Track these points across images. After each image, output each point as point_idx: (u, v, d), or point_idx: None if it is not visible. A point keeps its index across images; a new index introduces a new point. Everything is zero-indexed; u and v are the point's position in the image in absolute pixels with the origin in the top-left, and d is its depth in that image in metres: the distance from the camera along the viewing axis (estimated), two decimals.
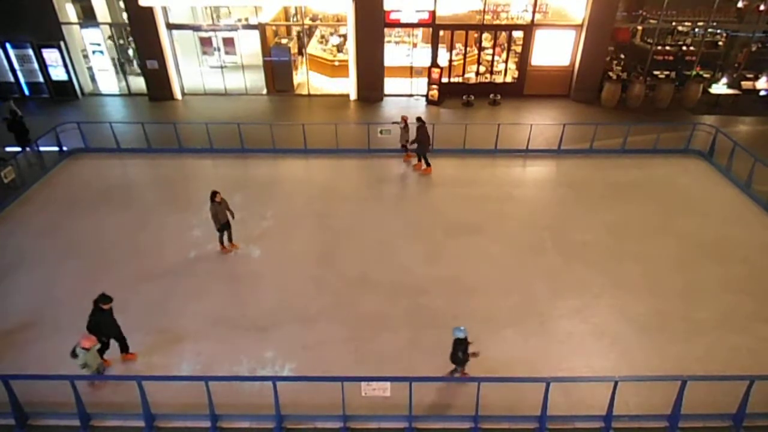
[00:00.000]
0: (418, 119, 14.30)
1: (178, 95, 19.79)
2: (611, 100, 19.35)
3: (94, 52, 19.49)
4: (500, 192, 13.98)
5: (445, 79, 19.71)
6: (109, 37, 20.26)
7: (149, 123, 16.58)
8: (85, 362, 8.01)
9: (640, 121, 17.43)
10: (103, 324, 8.40)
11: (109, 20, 20.51)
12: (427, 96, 19.64)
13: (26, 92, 19.56)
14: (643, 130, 16.26)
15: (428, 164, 14.85)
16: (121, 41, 20.93)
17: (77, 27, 19.38)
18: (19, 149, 14.57)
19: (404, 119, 14.85)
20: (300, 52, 21.44)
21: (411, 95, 20.22)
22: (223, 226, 11.28)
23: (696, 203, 13.50)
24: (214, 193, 10.94)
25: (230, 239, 11.64)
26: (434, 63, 19.31)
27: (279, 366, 8.86)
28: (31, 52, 18.77)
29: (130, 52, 20.98)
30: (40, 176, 14.42)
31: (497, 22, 19.14)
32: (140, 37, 18.74)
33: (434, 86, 19.28)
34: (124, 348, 8.93)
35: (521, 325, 9.70)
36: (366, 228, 12.46)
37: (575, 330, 9.60)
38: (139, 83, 20.05)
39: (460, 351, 8.08)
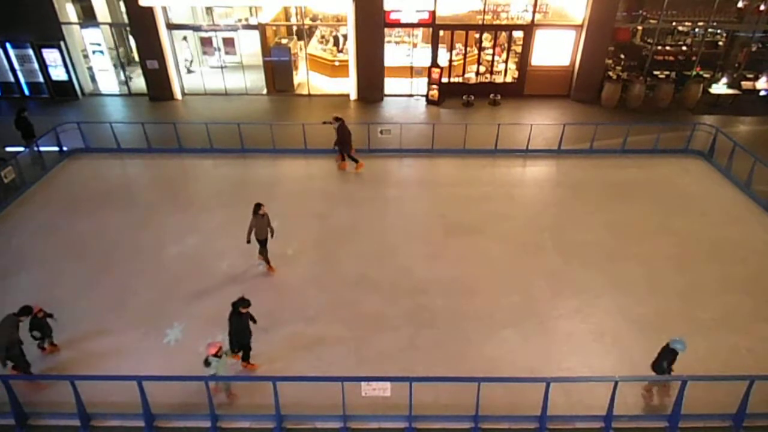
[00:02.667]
0: (336, 118, 14.22)
1: (178, 95, 19.79)
2: (611, 100, 19.35)
3: (94, 52, 19.49)
4: (500, 192, 13.98)
5: (445, 79, 19.70)
6: (112, 49, 20.27)
7: (149, 123, 16.58)
8: (216, 370, 7.89)
9: (640, 121, 17.42)
10: (239, 328, 8.27)
11: (109, 20, 20.54)
12: (427, 96, 19.64)
13: (26, 92, 19.55)
14: (643, 130, 16.26)
15: (356, 161, 14.78)
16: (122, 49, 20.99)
17: (77, 27, 19.38)
18: (20, 149, 14.55)
19: (336, 118, 14.58)
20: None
21: (411, 95, 20.22)
22: (263, 242, 10.67)
23: (696, 203, 13.50)
24: (258, 206, 10.29)
25: (263, 256, 11.02)
26: (434, 63, 19.30)
27: (280, 366, 8.86)
28: (31, 52, 18.76)
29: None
30: (40, 176, 14.42)
31: (497, 22, 19.14)
32: (140, 37, 18.74)
33: (434, 86, 19.28)
34: (245, 357, 8.74)
35: (521, 325, 9.70)
36: (366, 228, 12.46)
37: (575, 330, 9.60)
38: (139, 83, 20.05)
39: (667, 362, 7.95)
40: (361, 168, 14.84)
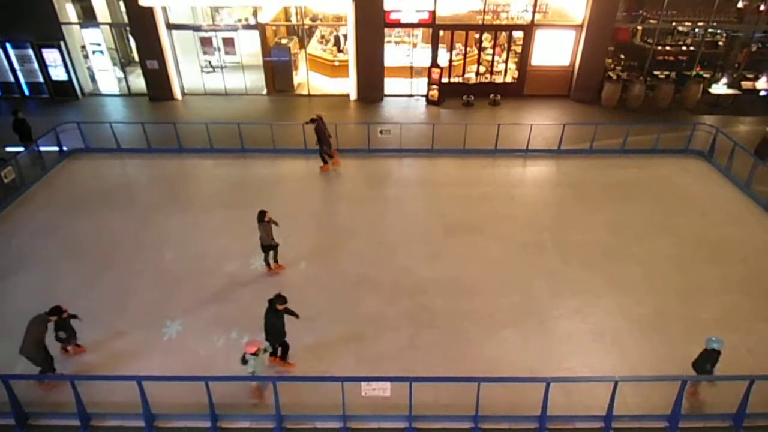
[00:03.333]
0: (312, 119, 14.24)
1: (178, 95, 19.79)
2: (611, 100, 19.35)
3: (94, 52, 19.48)
4: (500, 192, 13.98)
5: (445, 79, 19.70)
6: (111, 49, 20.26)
7: (149, 123, 16.58)
8: (254, 369, 7.91)
9: (640, 121, 17.42)
10: (276, 325, 8.26)
11: (109, 20, 20.54)
12: (427, 96, 19.63)
13: (26, 92, 19.54)
14: (643, 130, 16.26)
15: (324, 162, 14.83)
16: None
17: (77, 27, 19.37)
18: (20, 149, 14.54)
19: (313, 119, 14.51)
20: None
21: (411, 95, 20.22)
22: (268, 248, 10.62)
23: (696, 203, 13.51)
24: (262, 213, 10.24)
25: (275, 260, 10.95)
26: (434, 63, 19.30)
27: (279, 366, 8.87)
28: (31, 52, 18.75)
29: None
30: (40, 176, 14.42)
31: (497, 22, 19.14)
32: (140, 37, 18.73)
33: (434, 86, 19.28)
34: (284, 356, 8.76)
35: (521, 325, 9.70)
36: (366, 228, 12.46)
37: (575, 330, 9.60)
38: (139, 83, 20.05)
39: (710, 363, 7.94)
40: (326, 170, 14.85)
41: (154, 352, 9.12)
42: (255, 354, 7.80)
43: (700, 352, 8.07)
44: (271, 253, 10.76)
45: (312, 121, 14.24)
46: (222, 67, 20.37)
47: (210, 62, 20.98)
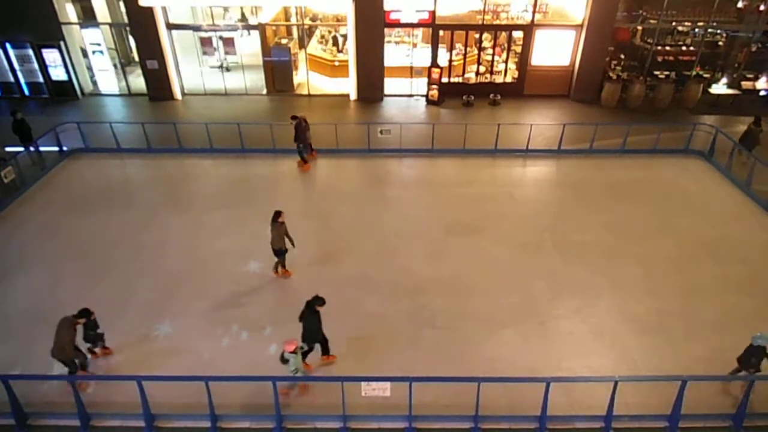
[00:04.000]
0: (293, 117, 14.30)
1: (178, 95, 19.79)
2: (611, 100, 19.35)
3: (94, 52, 19.48)
4: (500, 192, 13.98)
5: (445, 79, 19.70)
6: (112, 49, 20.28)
7: (149, 123, 16.58)
8: (296, 367, 7.91)
9: (640, 121, 17.42)
10: (315, 325, 8.27)
11: (109, 20, 20.54)
12: (427, 96, 19.64)
13: (26, 92, 19.54)
14: (643, 130, 16.26)
15: (304, 161, 14.87)
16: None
17: (77, 27, 19.37)
18: (20, 149, 14.54)
19: (302, 118, 14.55)
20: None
21: (411, 95, 20.22)
22: (278, 252, 10.39)
23: (696, 203, 13.51)
24: (277, 213, 10.06)
25: (282, 265, 10.75)
26: (434, 63, 19.30)
27: (278, 365, 8.86)
28: (31, 52, 18.75)
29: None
30: (40, 176, 14.42)
31: (497, 22, 19.14)
32: (140, 37, 18.74)
33: (434, 86, 19.28)
34: (326, 350, 8.79)
35: (521, 325, 9.70)
36: (366, 228, 12.46)
37: (575, 330, 9.60)
38: (139, 83, 20.05)
39: (755, 357, 7.96)
40: (307, 169, 14.86)
41: (154, 352, 9.10)
42: (294, 352, 7.81)
43: (746, 347, 8.08)
44: (280, 257, 10.56)
45: (293, 118, 14.28)
46: (225, 68, 20.37)
47: (225, 61, 20.93)
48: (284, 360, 7.90)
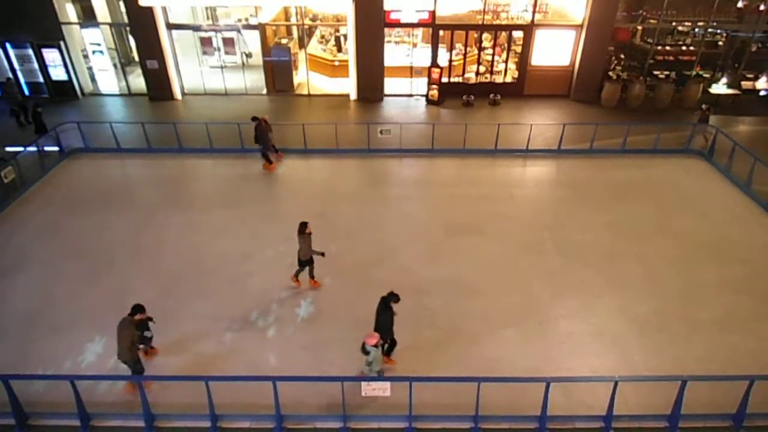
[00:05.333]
0: (253, 118, 14.28)
1: (178, 95, 19.80)
2: (611, 100, 19.36)
3: (94, 52, 19.49)
4: (500, 192, 13.98)
5: (445, 79, 19.71)
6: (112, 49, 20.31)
7: (149, 123, 16.58)
8: (374, 360, 7.88)
9: (640, 121, 17.42)
10: (388, 322, 8.24)
11: (109, 20, 20.54)
12: (427, 96, 19.64)
13: (26, 92, 19.55)
14: (643, 130, 16.27)
15: (269, 161, 14.84)
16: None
17: (77, 27, 19.38)
18: (19, 149, 14.55)
19: (264, 119, 14.52)
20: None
21: (411, 95, 20.23)
22: (306, 262, 10.24)
23: (696, 203, 13.51)
24: (304, 225, 9.85)
25: (311, 275, 10.52)
26: (434, 63, 19.31)
27: (279, 366, 8.86)
28: (31, 52, 18.77)
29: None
30: (40, 176, 14.42)
31: (497, 22, 19.15)
32: (140, 37, 18.74)
33: (434, 86, 19.28)
34: (389, 351, 8.74)
35: (521, 325, 9.69)
36: (366, 228, 12.46)
37: (575, 330, 9.60)
38: (139, 83, 20.05)
39: None
40: (273, 169, 14.85)
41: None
42: (375, 346, 7.79)
43: None
44: (307, 267, 10.36)
45: (254, 119, 14.28)
46: (222, 67, 20.40)
47: (245, 53, 20.92)
48: (365, 351, 7.86)
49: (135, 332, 8.06)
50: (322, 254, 10.19)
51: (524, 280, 10.80)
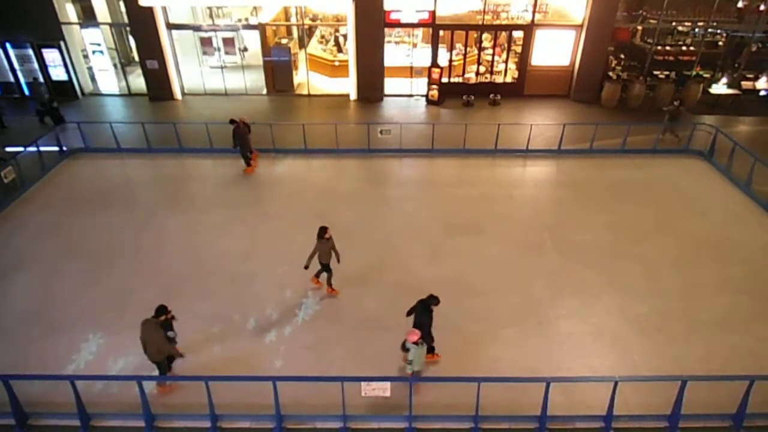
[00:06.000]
0: (231, 121, 14.21)
1: (178, 95, 19.80)
2: (611, 100, 19.35)
3: (94, 52, 19.49)
4: (500, 192, 13.98)
5: (445, 79, 19.71)
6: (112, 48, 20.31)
7: (149, 123, 16.59)
8: (414, 358, 7.87)
9: (640, 121, 17.41)
10: (427, 324, 8.25)
11: (109, 20, 20.55)
12: (427, 96, 19.64)
13: (26, 92, 19.55)
14: (643, 130, 16.26)
15: (247, 164, 14.78)
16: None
17: (77, 27, 19.38)
18: (19, 149, 14.55)
19: (243, 120, 14.49)
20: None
21: (411, 95, 20.23)
22: (327, 267, 10.13)
23: (696, 203, 13.50)
24: (324, 229, 9.73)
25: (329, 283, 10.40)
26: (434, 63, 19.31)
27: (279, 366, 8.86)
28: (31, 52, 18.77)
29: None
30: (40, 176, 14.42)
31: (497, 22, 19.15)
32: (140, 37, 18.74)
33: (434, 86, 19.28)
34: (431, 349, 8.74)
35: (521, 325, 9.69)
36: (366, 228, 12.46)
37: (575, 330, 9.60)
38: (139, 83, 20.06)
39: None
40: (250, 172, 14.78)
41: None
42: (416, 343, 7.78)
43: None
44: (325, 274, 10.28)
45: (231, 122, 14.25)
46: (222, 67, 20.41)
47: (241, 49, 20.84)
48: (405, 349, 7.85)
49: (162, 333, 8.02)
50: (338, 260, 10.10)
51: (524, 280, 10.80)
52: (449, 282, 10.68)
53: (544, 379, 7.81)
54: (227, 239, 11.99)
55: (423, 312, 8.25)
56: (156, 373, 8.33)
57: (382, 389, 7.58)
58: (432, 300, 8.25)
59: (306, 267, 9.93)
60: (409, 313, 8.53)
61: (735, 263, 11.28)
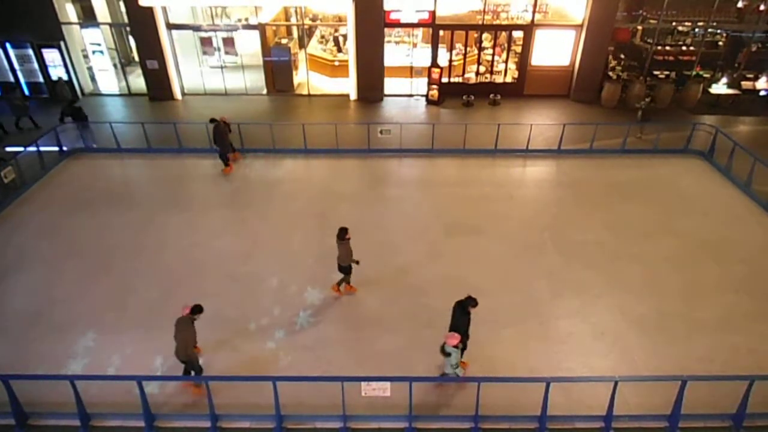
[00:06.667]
0: (211, 120, 14.22)
1: (178, 95, 19.80)
2: (611, 100, 19.36)
3: (94, 52, 19.50)
4: (500, 192, 13.98)
5: (445, 79, 19.71)
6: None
7: (149, 123, 16.59)
8: (457, 361, 7.86)
9: (640, 121, 17.42)
10: (465, 326, 8.22)
11: (109, 20, 20.55)
12: (427, 96, 19.64)
13: (26, 92, 19.54)
14: (643, 130, 16.24)
15: (226, 164, 14.76)
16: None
17: (77, 27, 19.38)
18: (19, 149, 14.55)
19: (223, 120, 14.51)
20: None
21: (411, 95, 20.23)
22: (346, 269, 10.02)
23: (696, 203, 13.50)
24: (343, 231, 9.65)
25: (347, 282, 10.36)
26: (434, 63, 19.31)
27: (279, 366, 8.86)
28: (31, 52, 18.77)
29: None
30: (40, 176, 14.42)
31: (497, 22, 19.14)
32: (140, 37, 18.74)
33: (434, 86, 19.28)
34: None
35: (521, 325, 9.69)
36: (366, 228, 12.43)
37: (575, 330, 9.60)
38: (139, 83, 20.05)
39: None
40: (229, 172, 14.76)
41: (154, 352, 9.10)
42: (456, 347, 7.75)
43: None
44: (346, 274, 10.20)
45: (212, 121, 14.25)
46: (222, 67, 20.40)
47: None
48: (446, 353, 7.80)
49: (194, 332, 8.02)
50: (357, 262, 10.03)
51: (524, 280, 10.80)
52: (449, 282, 10.68)
53: (544, 379, 7.81)
54: (227, 239, 11.99)
55: (461, 314, 8.19)
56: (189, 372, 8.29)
57: (382, 389, 7.58)
58: (470, 301, 8.18)
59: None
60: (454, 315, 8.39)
61: (735, 263, 11.28)
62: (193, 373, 8.30)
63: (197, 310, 8.11)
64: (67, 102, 16.52)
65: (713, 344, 9.28)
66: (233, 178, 14.58)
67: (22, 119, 17.01)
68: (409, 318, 9.85)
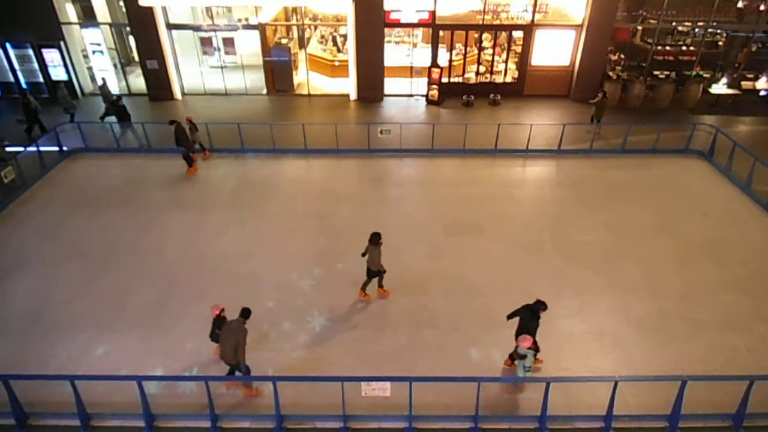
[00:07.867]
0: (171, 122, 14.24)
1: (178, 95, 19.79)
2: (611, 100, 19.33)
3: (94, 52, 19.49)
4: (500, 192, 13.98)
5: (445, 79, 19.72)
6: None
7: (149, 123, 16.58)
8: (531, 363, 7.86)
9: (640, 121, 17.42)
10: (535, 329, 8.21)
11: (109, 20, 20.54)
12: (427, 96, 19.64)
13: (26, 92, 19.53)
14: (643, 130, 16.27)
15: (189, 164, 14.76)
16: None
17: (77, 27, 19.38)
18: (19, 149, 14.55)
19: (189, 119, 14.60)
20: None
21: (411, 95, 20.23)
22: (375, 273, 9.99)
23: (696, 203, 13.50)
24: (377, 235, 9.72)
25: (380, 285, 10.31)
26: (434, 63, 19.31)
27: (279, 365, 8.86)
28: (31, 52, 18.77)
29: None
30: (40, 176, 14.42)
31: (497, 22, 19.15)
32: (140, 37, 18.74)
33: (434, 86, 19.29)
34: (514, 355, 8.63)
35: None
36: (366, 228, 12.32)
37: (575, 330, 9.60)
38: (139, 83, 20.05)
39: None
40: (193, 172, 14.76)
41: (154, 352, 9.10)
42: (530, 348, 7.75)
43: None
44: (375, 279, 10.14)
45: (171, 123, 14.26)
46: (222, 67, 20.40)
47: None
48: (521, 356, 7.82)
49: (245, 335, 7.95)
50: (384, 271, 10.05)
51: (524, 280, 10.80)
52: (449, 282, 10.69)
53: (544, 379, 7.81)
54: (227, 239, 11.99)
55: (532, 318, 8.19)
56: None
57: (382, 389, 7.59)
58: (540, 305, 8.18)
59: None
60: (510, 317, 8.44)
61: (735, 263, 11.28)
62: (231, 372, 8.22)
63: (247, 314, 8.06)
64: (109, 102, 16.55)
65: (713, 344, 9.28)
66: (233, 179, 14.57)
67: (34, 128, 16.63)
68: (409, 318, 9.85)
